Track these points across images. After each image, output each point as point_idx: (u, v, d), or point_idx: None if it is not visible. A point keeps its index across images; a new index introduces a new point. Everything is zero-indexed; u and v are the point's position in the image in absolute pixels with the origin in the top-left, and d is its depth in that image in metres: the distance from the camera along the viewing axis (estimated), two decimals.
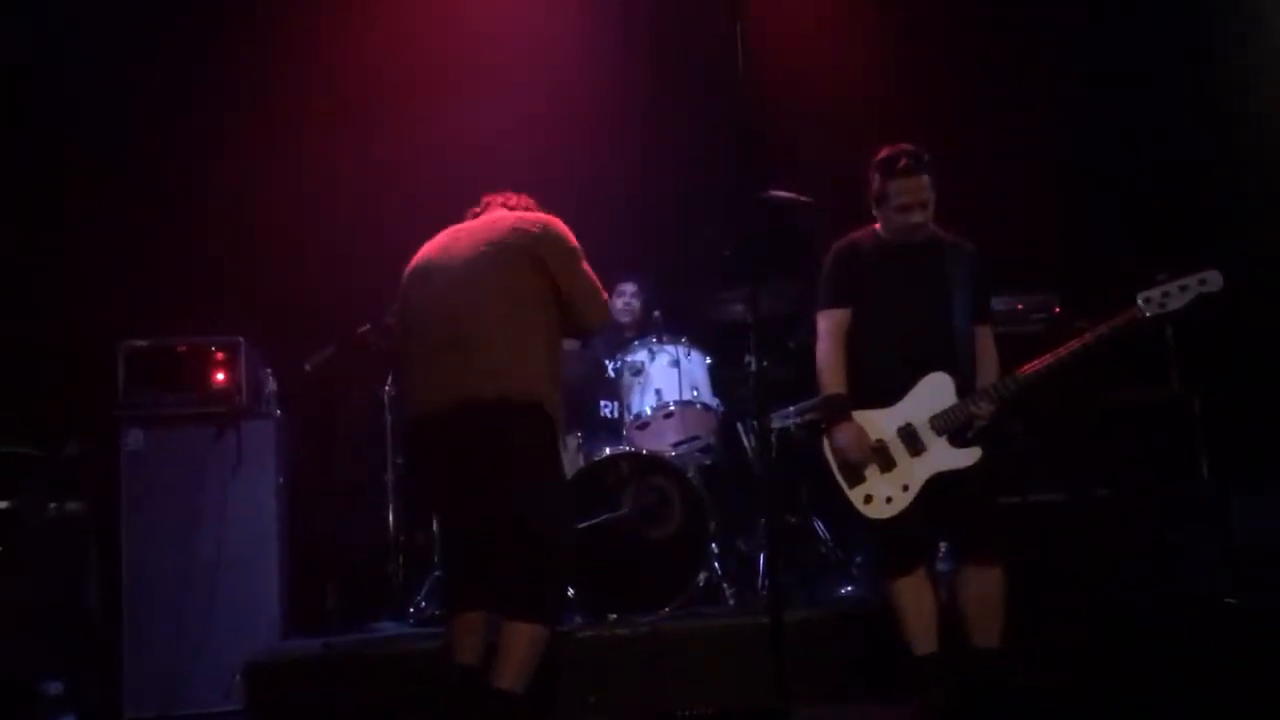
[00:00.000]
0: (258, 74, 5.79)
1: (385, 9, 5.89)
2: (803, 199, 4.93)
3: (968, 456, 3.99)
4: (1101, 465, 5.22)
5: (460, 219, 4.05)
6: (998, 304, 4.90)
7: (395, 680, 4.23)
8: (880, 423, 4.06)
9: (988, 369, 4.15)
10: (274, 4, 5.83)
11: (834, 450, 4.07)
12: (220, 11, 5.75)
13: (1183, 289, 3.85)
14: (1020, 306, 5.43)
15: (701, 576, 4.81)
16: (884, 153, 4.08)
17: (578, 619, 4.60)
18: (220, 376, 4.92)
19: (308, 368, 5.06)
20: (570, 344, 4.56)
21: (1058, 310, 5.40)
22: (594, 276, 3.89)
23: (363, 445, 5.65)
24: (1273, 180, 5.52)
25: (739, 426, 5.60)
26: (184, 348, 4.92)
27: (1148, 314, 3.88)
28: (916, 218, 4.05)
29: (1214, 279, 3.84)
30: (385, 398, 5.31)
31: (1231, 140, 5.74)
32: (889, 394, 4.06)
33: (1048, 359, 3.94)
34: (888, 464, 4.02)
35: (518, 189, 4.11)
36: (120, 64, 5.64)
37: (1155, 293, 3.87)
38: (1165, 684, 4.04)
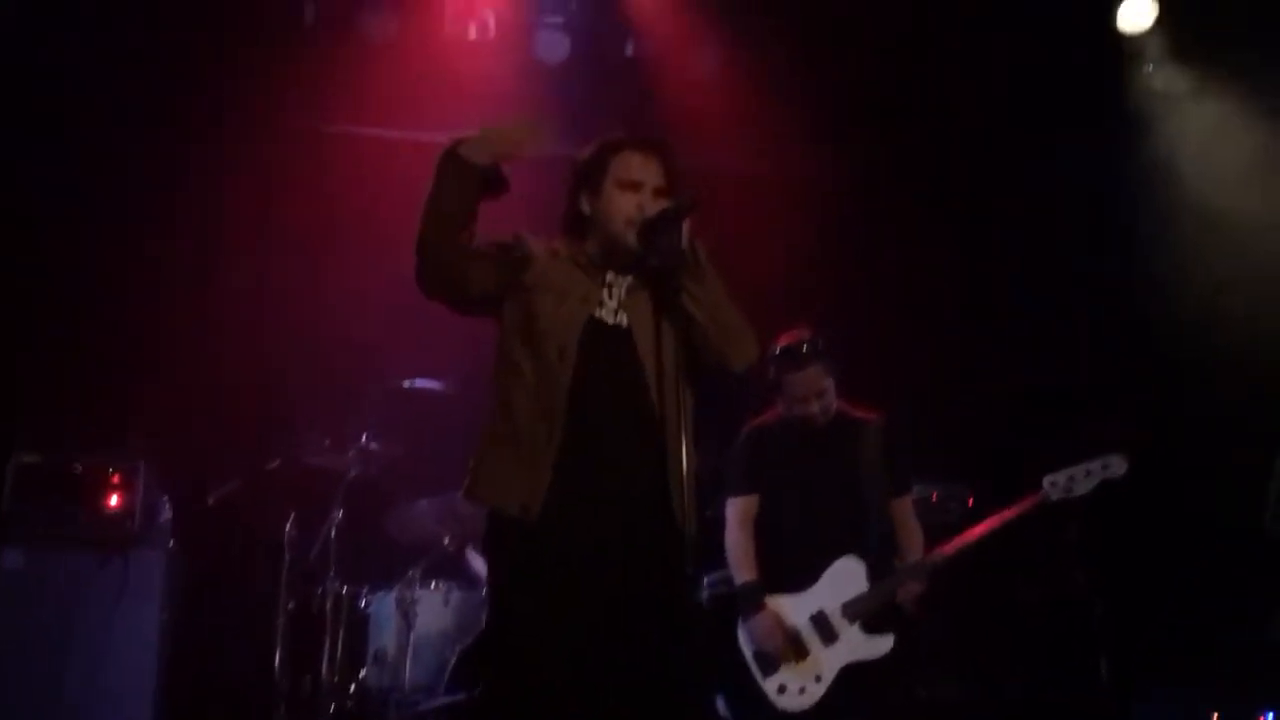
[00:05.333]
0: (177, 196, 5.72)
1: (313, 154, 5.90)
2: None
3: (880, 645, 3.96)
4: (1004, 662, 5.20)
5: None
6: (913, 493, 4.92)
7: None
8: (793, 610, 4.02)
9: (913, 543, 4.13)
10: (193, 131, 5.79)
11: (749, 640, 4.00)
12: (131, 126, 5.69)
13: (1088, 473, 3.96)
14: (935, 496, 5.45)
15: None
16: (779, 342, 4.12)
17: None
18: (114, 500, 4.74)
19: (210, 500, 4.91)
20: None
21: (971, 502, 5.44)
22: None
23: (256, 586, 5.43)
24: (1185, 377, 5.69)
25: None
26: (80, 467, 4.76)
27: (1054, 497, 3.97)
28: (812, 408, 4.09)
29: (1117, 464, 3.96)
30: (286, 538, 5.14)
31: (1144, 336, 5.92)
32: (801, 580, 4.04)
33: (957, 542, 3.97)
34: (801, 653, 3.98)
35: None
36: (26, 171, 5.55)
37: (1061, 476, 3.98)
38: None
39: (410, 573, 4.97)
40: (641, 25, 5.73)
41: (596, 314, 2.89)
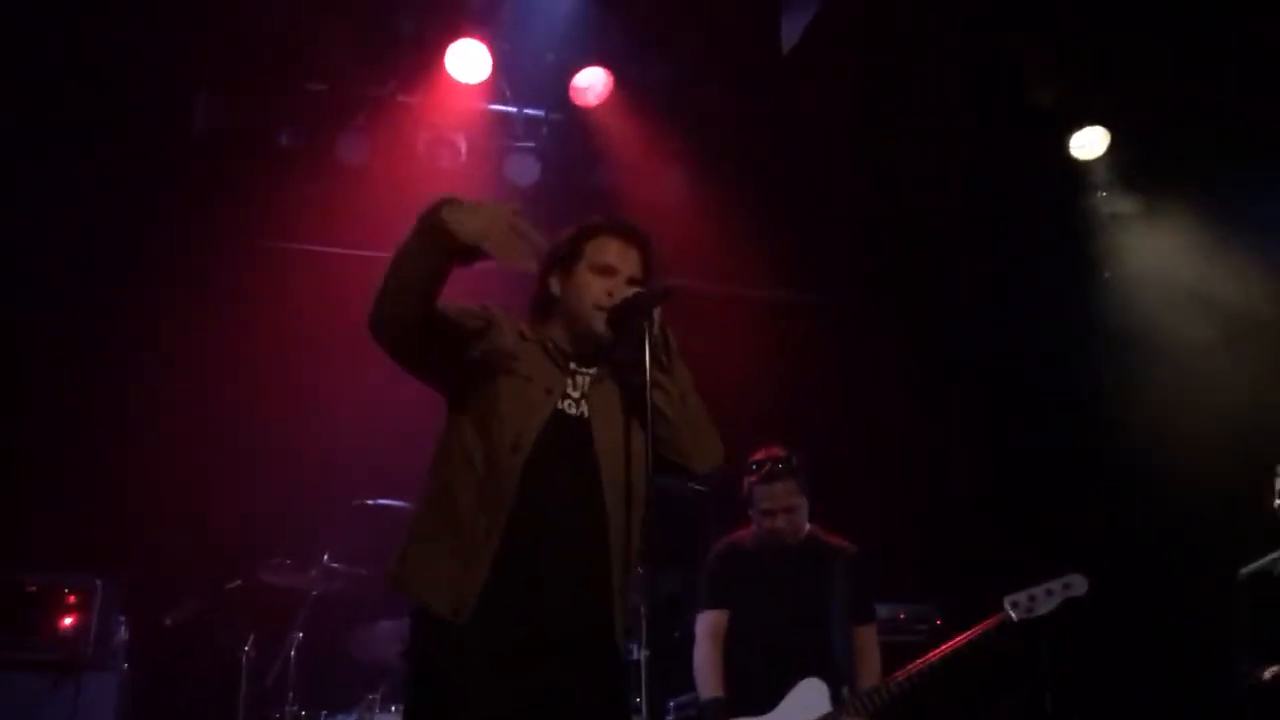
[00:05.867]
0: (145, 313, 5.73)
1: (283, 273, 5.94)
2: (691, 485, 4.97)
3: None
4: None
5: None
6: (882, 612, 4.91)
7: None
8: None
9: (868, 672, 4.11)
10: (162, 249, 5.82)
11: None
12: (100, 248, 5.72)
13: (1049, 593, 3.96)
14: (902, 616, 5.43)
15: None
16: (754, 456, 4.17)
17: None
18: (69, 621, 4.65)
19: (167, 621, 4.82)
20: None
21: (939, 621, 5.42)
22: None
23: (213, 710, 5.29)
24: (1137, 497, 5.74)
25: None
26: (34, 586, 4.66)
27: (1015, 617, 3.94)
28: (780, 523, 4.12)
29: (1078, 583, 3.97)
30: (244, 659, 5.03)
31: (1106, 460, 5.99)
32: (765, 700, 4.00)
33: (919, 665, 3.94)
34: None
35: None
36: None
37: (1022, 596, 3.97)
38: None
39: (370, 696, 4.85)
40: (610, 153, 5.86)
41: (559, 405, 2.74)
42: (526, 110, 5.83)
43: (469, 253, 2.56)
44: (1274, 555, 4.23)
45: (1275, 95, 5.24)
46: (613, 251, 2.80)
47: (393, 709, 4.90)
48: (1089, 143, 5.88)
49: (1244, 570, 4.27)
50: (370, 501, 5.16)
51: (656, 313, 2.68)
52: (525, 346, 2.77)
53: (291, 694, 4.89)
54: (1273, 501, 4.20)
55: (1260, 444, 4.70)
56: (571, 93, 5.63)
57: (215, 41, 5.27)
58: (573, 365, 2.79)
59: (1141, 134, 5.84)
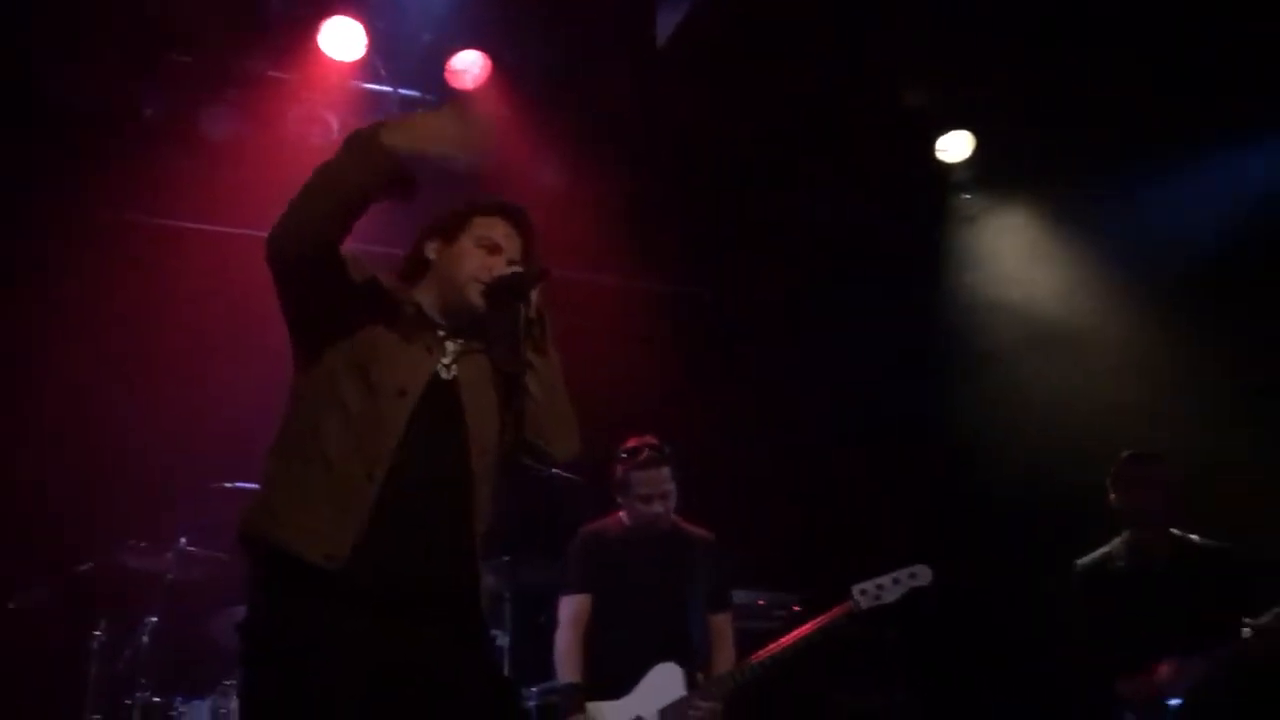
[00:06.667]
0: None
1: (142, 248, 5.78)
2: (560, 474, 5.01)
3: None
4: None
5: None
6: (742, 598, 5.02)
7: None
8: (611, 716, 4.03)
9: (723, 658, 4.21)
10: (18, 221, 5.61)
11: None
12: None
13: (895, 582, 4.10)
14: (762, 602, 5.55)
15: None
16: (628, 444, 4.24)
17: None
18: None
19: (11, 605, 4.66)
20: None
21: (797, 608, 5.55)
22: None
23: (59, 698, 5.14)
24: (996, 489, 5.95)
25: None
26: None
27: (863, 606, 4.07)
28: (657, 508, 4.19)
29: (923, 573, 4.12)
30: (95, 645, 4.90)
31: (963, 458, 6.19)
32: (622, 684, 4.07)
33: (771, 650, 4.05)
34: None
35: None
36: None
37: (870, 586, 4.11)
38: None
39: (226, 682, 4.77)
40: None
41: (437, 367, 2.70)
42: (401, 90, 5.76)
43: (402, 183, 2.50)
44: (1105, 549, 4.45)
45: (1137, 107, 5.48)
46: (500, 231, 2.79)
47: None
48: (954, 145, 6.07)
49: (1079, 563, 4.47)
50: (229, 485, 5.07)
51: (534, 294, 2.68)
52: (401, 304, 2.72)
53: (144, 680, 4.79)
54: (1109, 497, 4.41)
55: (1098, 441, 4.92)
56: (447, 75, 5.58)
57: (72, 5, 5.09)
58: (441, 333, 2.76)
59: (1004, 138, 6.05)
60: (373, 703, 2.47)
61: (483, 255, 2.74)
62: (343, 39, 5.40)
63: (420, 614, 2.55)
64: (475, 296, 2.71)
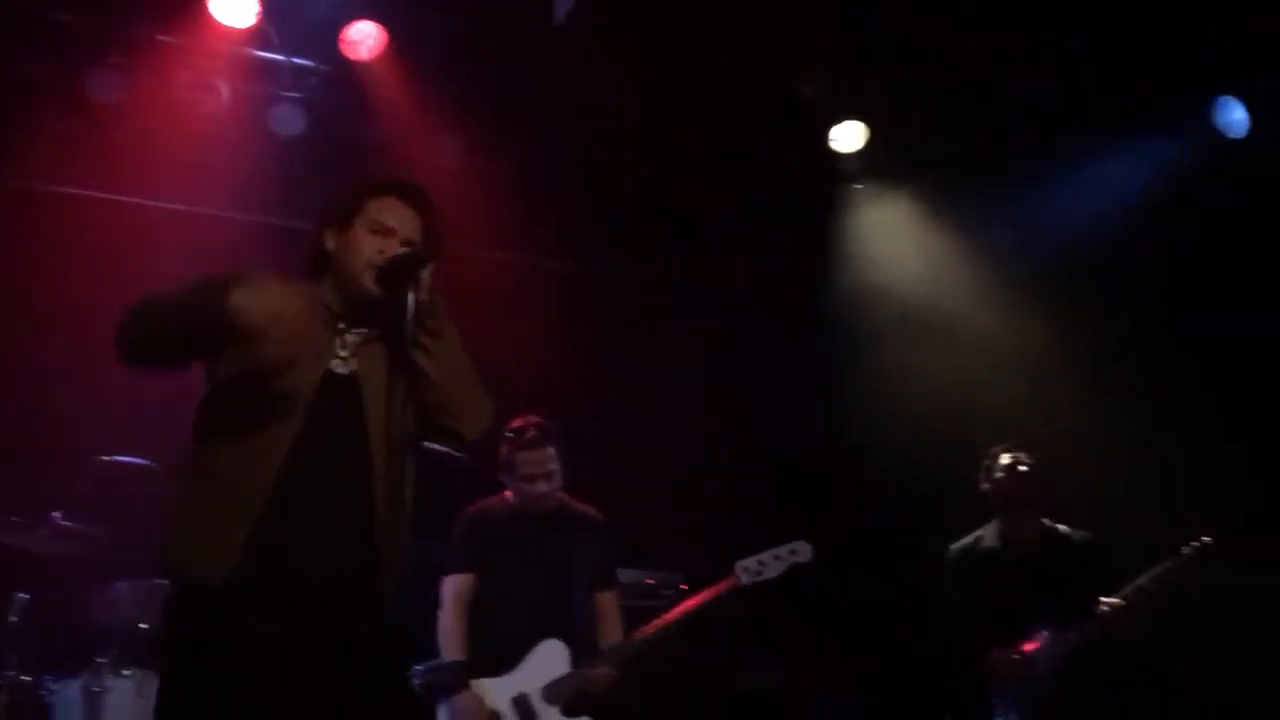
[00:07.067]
0: None
1: (23, 214, 5.58)
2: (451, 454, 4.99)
3: None
4: None
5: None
6: (630, 577, 5.07)
7: None
8: (495, 692, 4.05)
9: (609, 636, 4.26)
10: None
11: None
12: None
13: (776, 558, 4.21)
14: (651, 581, 5.60)
15: None
16: (513, 423, 4.23)
17: None
18: None
19: None
20: None
21: (684, 586, 5.62)
22: None
23: None
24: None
25: None
26: None
27: (745, 581, 4.16)
28: (541, 487, 4.21)
29: (804, 550, 4.24)
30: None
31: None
32: (506, 662, 4.08)
33: (657, 624, 4.11)
34: None
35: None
36: None
37: (752, 562, 4.21)
38: None
39: (99, 660, 4.67)
40: (381, 110, 5.75)
41: (329, 366, 2.70)
42: (295, 59, 5.65)
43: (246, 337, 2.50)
44: (977, 533, 4.61)
45: (1026, 103, 5.62)
46: (392, 212, 2.76)
47: (124, 673, 4.72)
48: (847, 135, 6.17)
49: (952, 547, 4.63)
50: (108, 458, 4.95)
51: (425, 274, 2.63)
52: (291, 307, 2.58)
53: (14, 658, 4.65)
54: (981, 484, 4.57)
55: (972, 429, 5.09)
56: (342, 45, 5.50)
57: None
58: (342, 325, 2.75)
59: (896, 128, 6.16)
60: (275, 697, 2.54)
61: (378, 240, 2.72)
62: (234, 4, 5.27)
63: (324, 610, 2.59)
64: (369, 283, 2.69)
